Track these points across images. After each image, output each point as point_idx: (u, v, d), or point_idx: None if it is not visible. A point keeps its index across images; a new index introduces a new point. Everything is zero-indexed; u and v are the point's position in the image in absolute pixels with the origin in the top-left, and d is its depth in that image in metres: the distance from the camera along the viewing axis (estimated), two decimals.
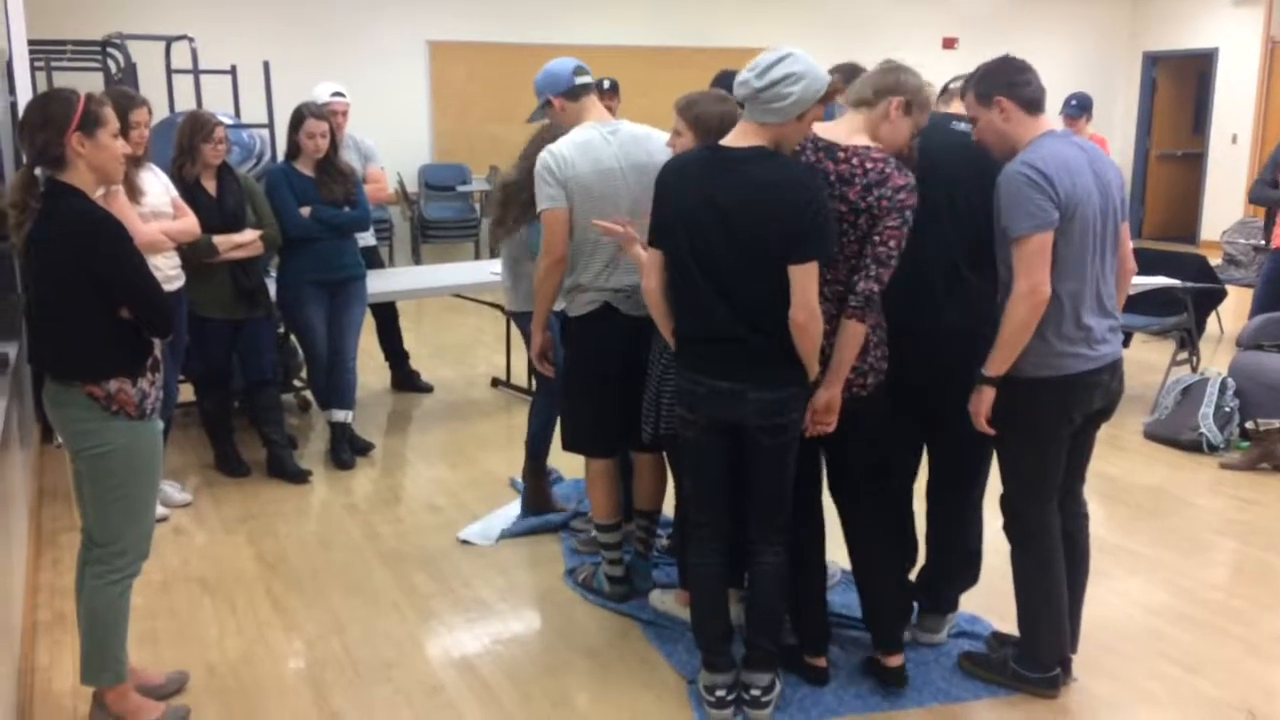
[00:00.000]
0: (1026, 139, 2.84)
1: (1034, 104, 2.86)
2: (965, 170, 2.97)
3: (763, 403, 2.79)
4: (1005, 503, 3.04)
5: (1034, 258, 2.75)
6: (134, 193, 4.07)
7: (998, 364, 2.83)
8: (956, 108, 3.15)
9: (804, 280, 2.70)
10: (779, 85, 2.66)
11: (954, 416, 2.97)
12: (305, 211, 4.81)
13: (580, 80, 3.47)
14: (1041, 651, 3.09)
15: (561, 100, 3.46)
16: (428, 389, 6.45)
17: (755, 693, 2.99)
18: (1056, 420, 2.91)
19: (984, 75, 2.89)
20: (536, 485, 4.43)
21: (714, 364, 2.80)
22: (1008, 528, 3.06)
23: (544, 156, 3.32)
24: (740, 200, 2.71)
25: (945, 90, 3.37)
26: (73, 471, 2.93)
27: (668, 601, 3.58)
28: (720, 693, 2.99)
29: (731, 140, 2.79)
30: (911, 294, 2.92)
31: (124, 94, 4.13)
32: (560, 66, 3.48)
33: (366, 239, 5.80)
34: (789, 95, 2.66)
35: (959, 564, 3.31)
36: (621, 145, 3.37)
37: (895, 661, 3.11)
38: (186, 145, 4.53)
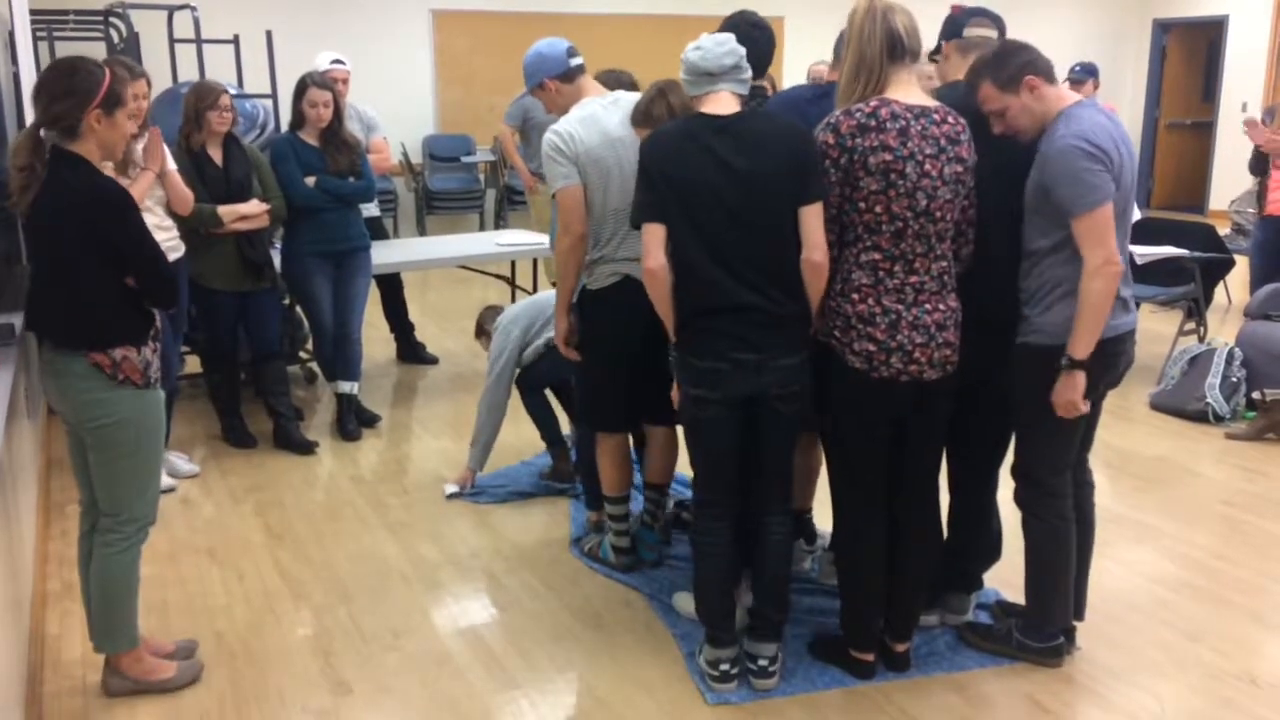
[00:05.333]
0: (1055, 111, 2.81)
1: (1052, 74, 2.84)
2: (1006, 151, 2.88)
3: (784, 370, 2.80)
4: (1023, 473, 3.03)
5: (1104, 230, 2.73)
6: (127, 166, 4.05)
7: (1085, 344, 2.78)
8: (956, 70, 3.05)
9: (814, 221, 2.74)
10: (739, 53, 2.84)
11: (987, 397, 2.99)
12: (310, 181, 4.80)
13: (574, 61, 3.45)
14: (1050, 620, 3.10)
15: (556, 82, 3.44)
16: (433, 360, 6.46)
17: (763, 663, 3.01)
18: (1089, 390, 2.91)
19: (999, 62, 2.81)
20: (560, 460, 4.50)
21: (736, 337, 2.78)
22: (1022, 497, 3.05)
23: (549, 137, 3.30)
24: (753, 151, 2.73)
25: (959, 35, 3.15)
26: (69, 441, 2.94)
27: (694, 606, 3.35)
28: (725, 666, 3.01)
29: (713, 109, 2.80)
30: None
31: (123, 65, 4.10)
32: (552, 48, 3.44)
33: (371, 210, 5.79)
34: (744, 64, 2.85)
35: (986, 544, 3.31)
36: (625, 113, 3.35)
37: (902, 647, 3.11)
38: (192, 114, 4.52)
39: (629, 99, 3.40)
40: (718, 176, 2.74)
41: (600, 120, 3.32)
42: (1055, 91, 2.83)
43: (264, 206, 4.64)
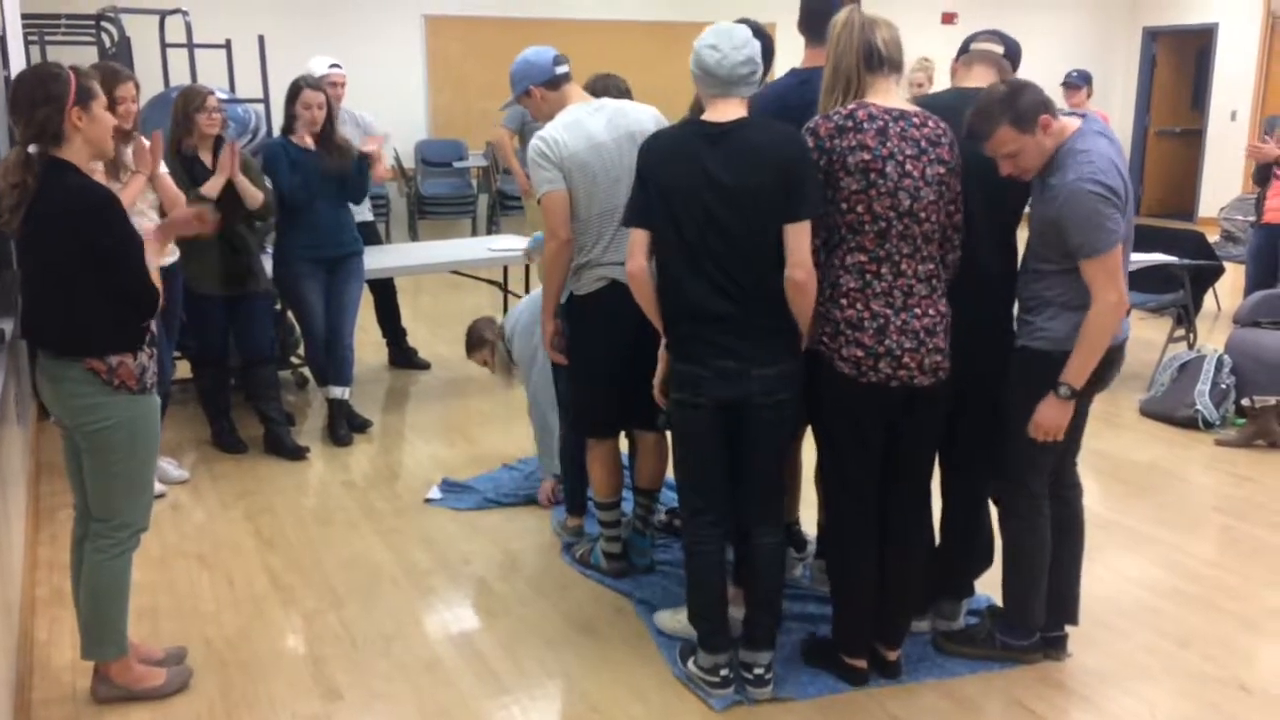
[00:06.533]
0: (1062, 140, 2.80)
1: (1054, 108, 2.82)
2: (977, 157, 2.87)
3: (766, 379, 2.80)
4: (1004, 472, 3.05)
5: (1116, 270, 2.75)
6: (118, 169, 4.05)
7: (1084, 375, 2.81)
8: (979, 77, 3.06)
9: (801, 239, 2.73)
10: (756, 58, 2.79)
11: (979, 404, 3.01)
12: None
13: (560, 69, 3.46)
14: (1028, 618, 3.12)
15: (542, 90, 3.46)
16: (425, 366, 6.45)
17: (759, 671, 3.00)
18: (1082, 395, 2.93)
19: (1013, 103, 2.74)
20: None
21: (718, 345, 2.78)
22: (1001, 495, 3.07)
23: (535, 142, 3.31)
24: (742, 165, 2.73)
25: (966, 51, 3.17)
26: (65, 447, 2.93)
27: (681, 620, 3.28)
28: (724, 671, 3.00)
29: (715, 116, 2.79)
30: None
31: (110, 69, 4.11)
32: (539, 56, 3.46)
33: (365, 214, 5.79)
34: (759, 67, 2.81)
35: (978, 550, 3.31)
36: (609, 119, 3.35)
37: (894, 654, 3.11)
38: (181, 118, 4.53)
39: (613, 105, 3.41)
40: (704, 188, 2.73)
41: (585, 125, 3.33)
42: (1059, 124, 2.81)
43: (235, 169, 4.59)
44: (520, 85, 3.49)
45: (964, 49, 3.20)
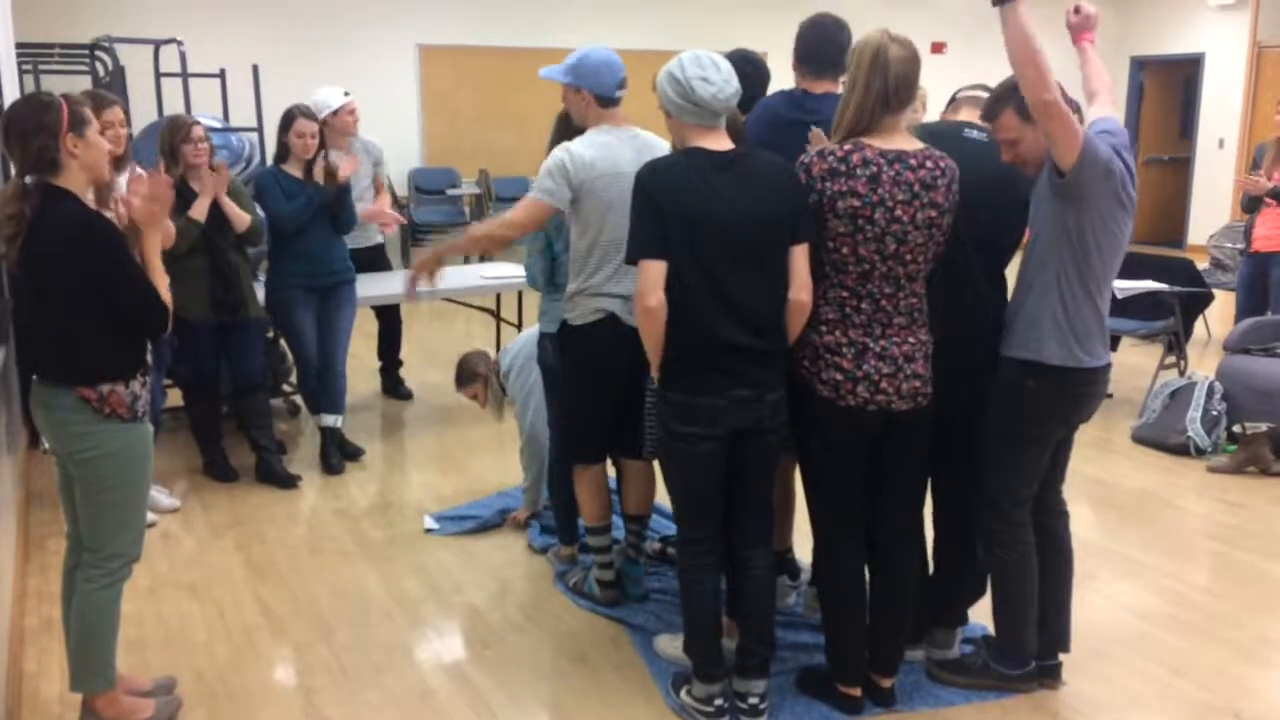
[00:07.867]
0: None
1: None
2: (981, 183, 2.89)
3: (776, 403, 2.82)
4: (991, 503, 3.05)
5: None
6: (107, 198, 4.05)
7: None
8: (966, 116, 3.11)
9: (804, 260, 2.78)
10: (739, 85, 2.83)
11: (967, 434, 3.02)
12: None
13: (619, 93, 3.36)
14: (1023, 647, 3.12)
15: (592, 99, 3.33)
16: (408, 396, 6.40)
17: (753, 700, 2.98)
18: (1058, 422, 2.95)
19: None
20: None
21: (734, 374, 2.77)
22: (983, 528, 3.07)
23: (560, 154, 3.25)
24: (754, 190, 2.75)
25: (954, 100, 3.28)
26: (58, 476, 2.92)
27: (679, 647, 3.25)
28: (719, 701, 2.99)
29: (713, 145, 2.80)
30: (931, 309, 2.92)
31: (96, 95, 4.13)
32: (611, 72, 3.31)
33: (374, 238, 5.82)
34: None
35: (971, 579, 3.31)
36: (638, 151, 3.29)
37: (887, 682, 3.10)
38: (167, 148, 4.54)
39: (644, 138, 3.37)
40: (723, 213, 2.74)
41: (615, 152, 3.28)
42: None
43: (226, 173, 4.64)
44: (580, 79, 3.32)
45: (952, 100, 3.27)
